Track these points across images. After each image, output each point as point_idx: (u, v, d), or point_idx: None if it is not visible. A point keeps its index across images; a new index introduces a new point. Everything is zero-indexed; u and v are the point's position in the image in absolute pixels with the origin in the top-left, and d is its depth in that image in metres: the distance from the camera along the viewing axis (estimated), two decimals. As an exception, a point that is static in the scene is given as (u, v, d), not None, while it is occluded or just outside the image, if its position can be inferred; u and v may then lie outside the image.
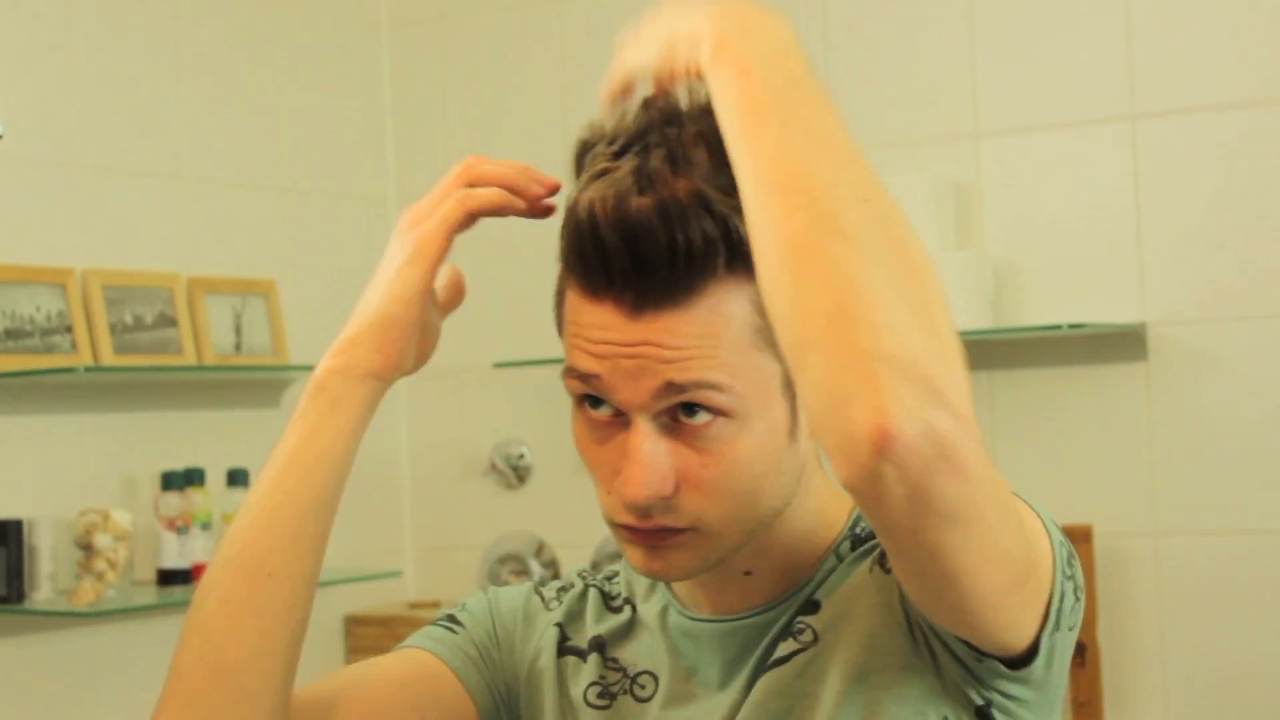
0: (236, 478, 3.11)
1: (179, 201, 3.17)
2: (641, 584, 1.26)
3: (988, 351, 3.00)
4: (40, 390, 2.91)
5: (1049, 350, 2.96)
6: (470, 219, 1.19)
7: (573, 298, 1.11)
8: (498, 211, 1.18)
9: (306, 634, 1.16)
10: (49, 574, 2.83)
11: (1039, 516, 1.10)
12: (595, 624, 1.25)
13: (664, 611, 1.23)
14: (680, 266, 1.05)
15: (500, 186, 1.18)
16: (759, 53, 1.03)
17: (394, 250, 1.19)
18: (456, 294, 1.27)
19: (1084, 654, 2.85)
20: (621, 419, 1.10)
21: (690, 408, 1.08)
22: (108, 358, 2.93)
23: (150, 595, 2.94)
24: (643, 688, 1.21)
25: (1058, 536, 1.10)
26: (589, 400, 1.11)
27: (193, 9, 3.23)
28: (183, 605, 3.03)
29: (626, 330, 1.07)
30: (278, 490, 1.17)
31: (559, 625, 1.26)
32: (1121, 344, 2.90)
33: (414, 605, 3.48)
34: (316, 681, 1.20)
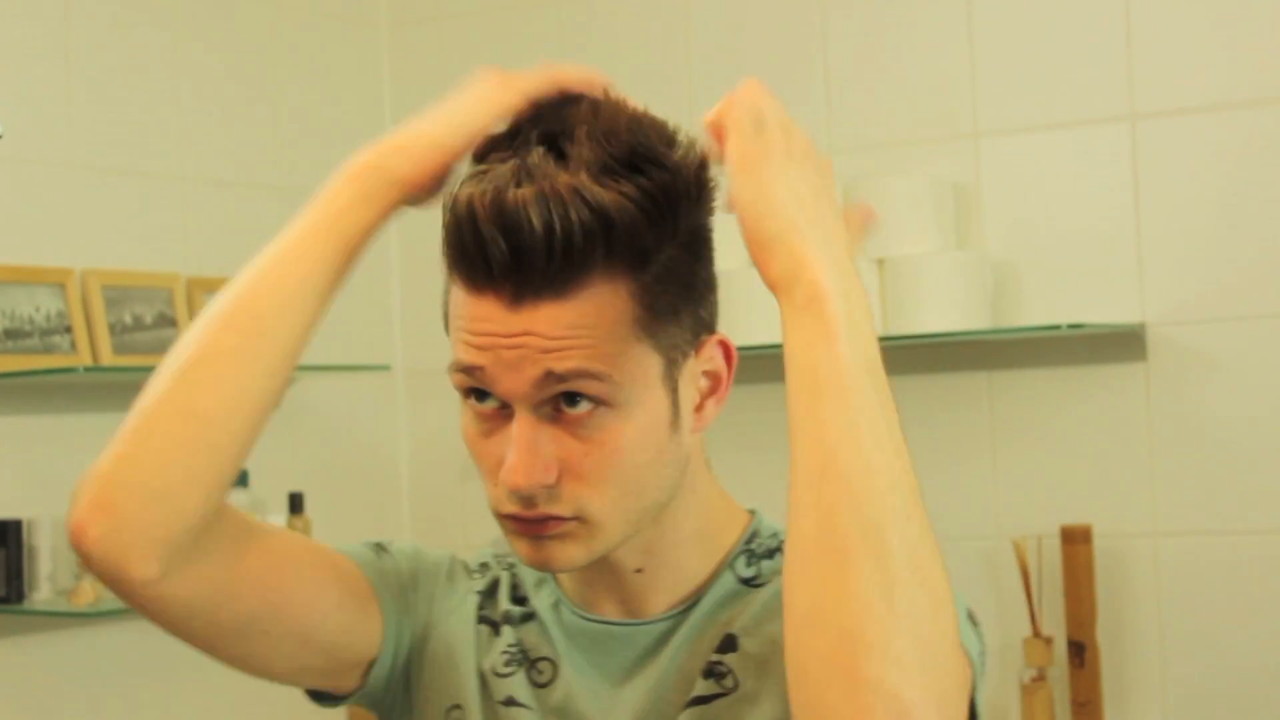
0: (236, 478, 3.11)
1: (179, 201, 3.17)
2: (530, 577, 1.27)
3: (987, 352, 3.00)
4: (40, 390, 2.91)
5: (1049, 350, 2.96)
6: (553, 94, 1.18)
7: (456, 293, 1.12)
8: (584, 84, 1.18)
9: (272, 410, 1.16)
10: (48, 574, 2.83)
11: (968, 643, 1.08)
12: (505, 604, 1.27)
13: (555, 606, 1.24)
14: (559, 257, 1.07)
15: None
16: (850, 323, 1.03)
17: (473, 84, 1.20)
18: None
19: (1084, 654, 2.85)
20: (506, 411, 1.12)
21: (571, 397, 1.10)
22: (107, 358, 2.93)
23: (150, 595, 2.94)
24: (540, 673, 1.22)
25: (975, 649, 1.09)
26: (475, 394, 1.13)
27: (192, 9, 3.23)
28: (182, 605, 3.04)
29: (507, 321, 1.09)
30: (289, 258, 1.17)
31: (479, 594, 1.28)
32: (1121, 344, 2.90)
33: (414, 605, 3.48)
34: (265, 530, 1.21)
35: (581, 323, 1.08)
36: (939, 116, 3.05)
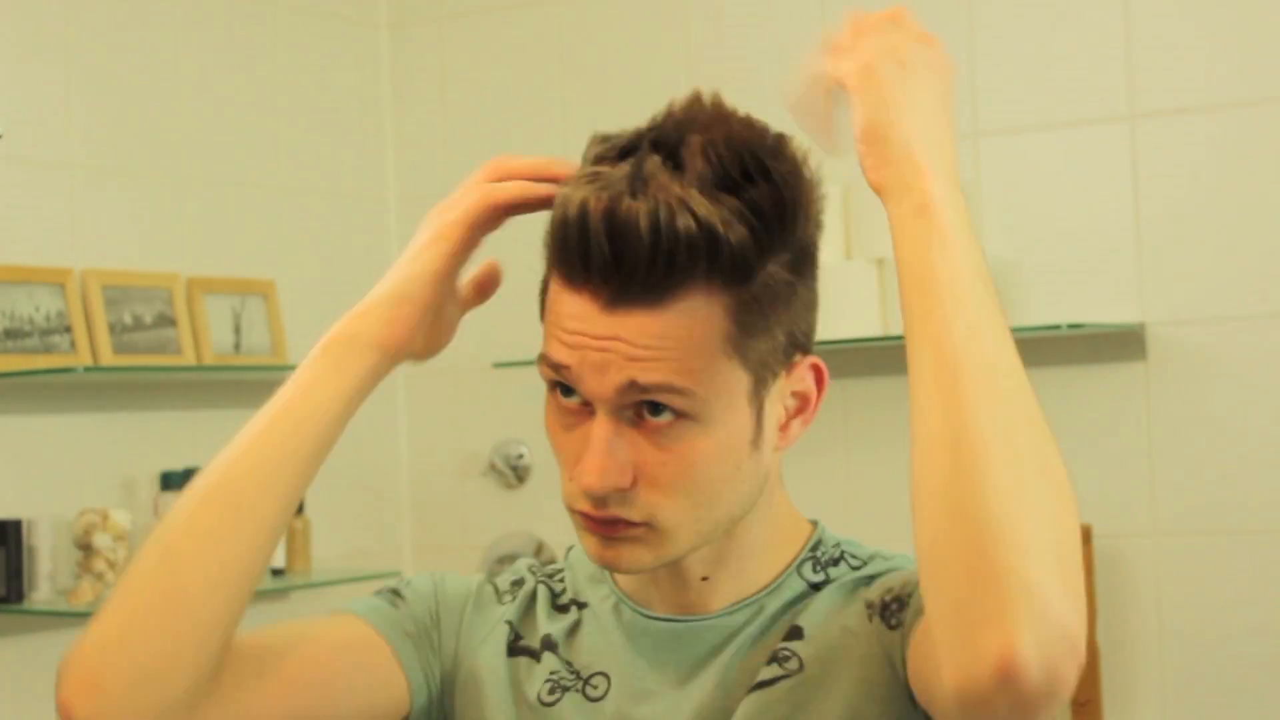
0: (236, 478, 3.11)
1: (178, 201, 3.17)
2: (586, 580, 1.27)
3: (987, 351, 3.00)
4: (40, 390, 2.91)
5: (1048, 350, 2.96)
6: (495, 213, 1.20)
7: (554, 287, 1.13)
8: (522, 204, 1.19)
9: (258, 586, 1.16)
10: (48, 574, 2.83)
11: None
12: (546, 623, 1.26)
13: (616, 607, 1.24)
14: (660, 267, 1.07)
15: (525, 177, 1.20)
16: (961, 232, 1.05)
17: (417, 236, 1.21)
18: (483, 289, 1.28)
19: (1084, 654, 2.85)
20: (589, 409, 1.12)
21: (655, 406, 1.10)
22: (107, 358, 2.93)
23: (150, 595, 2.94)
24: (595, 688, 1.22)
25: None
26: (560, 388, 1.14)
27: (192, 9, 3.23)
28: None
29: (599, 323, 1.09)
30: (265, 434, 1.19)
31: (510, 623, 1.27)
32: (1121, 344, 2.90)
33: (413, 605, 3.48)
34: (254, 631, 1.20)
35: (671, 334, 1.08)
36: (939, 116, 3.04)
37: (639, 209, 1.07)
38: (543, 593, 1.28)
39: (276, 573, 3.16)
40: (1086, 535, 2.86)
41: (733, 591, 1.20)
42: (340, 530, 3.41)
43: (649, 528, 1.12)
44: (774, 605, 1.20)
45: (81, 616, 2.86)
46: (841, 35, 1.15)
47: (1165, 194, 2.87)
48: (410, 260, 1.20)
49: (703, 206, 1.07)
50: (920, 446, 0.99)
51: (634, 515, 1.12)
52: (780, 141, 1.14)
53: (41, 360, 2.84)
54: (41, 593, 2.82)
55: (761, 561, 1.21)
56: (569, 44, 3.40)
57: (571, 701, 1.21)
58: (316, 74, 3.48)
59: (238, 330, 3.19)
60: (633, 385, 1.09)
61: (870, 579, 1.19)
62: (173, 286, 3.08)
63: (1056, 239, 2.95)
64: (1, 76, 2.90)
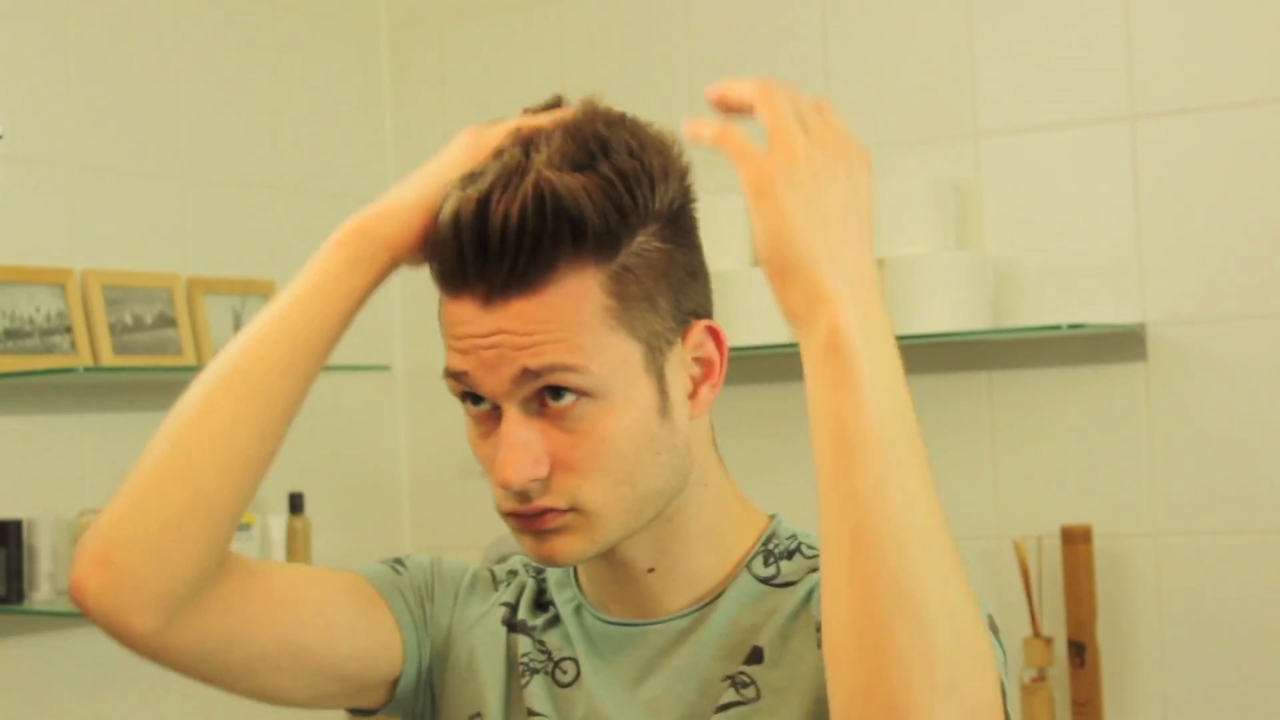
0: (236, 478, 3.11)
1: (179, 201, 3.17)
2: (553, 579, 1.28)
3: (987, 351, 3.00)
4: (40, 390, 2.91)
5: (1048, 350, 2.96)
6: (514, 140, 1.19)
7: (442, 301, 1.15)
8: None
9: (262, 476, 1.20)
10: (48, 574, 2.83)
11: (991, 647, 1.08)
12: (528, 614, 1.27)
13: (577, 609, 1.25)
14: (525, 252, 1.08)
15: None
16: (874, 367, 0.99)
17: (452, 146, 1.22)
18: None
19: (1084, 654, 2.85)
20: (498, 412, 1.13)
21: (555, 391, 1.11)
22: (107, 358, 2.93)
23: (150, 595, 2.94)
24: (564, 672, 1.22)
25: (999, 660, 1.09)
26: (470, 398, 1.15)
27: (192, 9, 3.23)
28: (182, 605, 3.04)
29: (483, 321, 1.11)
30: (280, 324, 1.21)
31: (506, 604, 1.28)
32: (1121, 344, 2.90)
33: (414, 605, 3.48)
34: (267, 560, 1.24)
35: (552, 316, 1.09)
36: (939, 116, 3.05)
37: (499, 200, 1.09)
38: (531, 587, 1.29)
39: (276, 573, 3.16)
40: (1086, 535, 2.86)
41: (684, 591, 1.20)
42: (340, 530, 3.41)
43: (576, 513, 1.13)
44: (727, 605, 1.19)
45: (81, 617, 2.86)
46: (753, 103, 1.09)
47: (1165, 194, 2.87)
48: (439, 167, 1.20)
49: (551, 184, 1.08)
50: (828, 622, 0.99)
51: (557, 502, 1.12)
52: (623, 118, 1.16)
53: (42, 360, 2.84)
54: (41, 593, 2.82)
55: (708, 550, 1.20)
56: (569, 44, 3.40)
57: (539, 684, 1.22)
58: (316, 74, 3.48)
59: (238, 330, 3.19)
60: (525, 373, 1.10)
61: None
62: (173, 286, 3.08)
63: (1056, 239, 2.95)
64: (1, 76, 2.90)
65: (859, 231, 1.03)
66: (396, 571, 1.28)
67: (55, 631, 2.90)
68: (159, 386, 3.12)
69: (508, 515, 1.15)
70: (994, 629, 1.11)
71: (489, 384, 1.12)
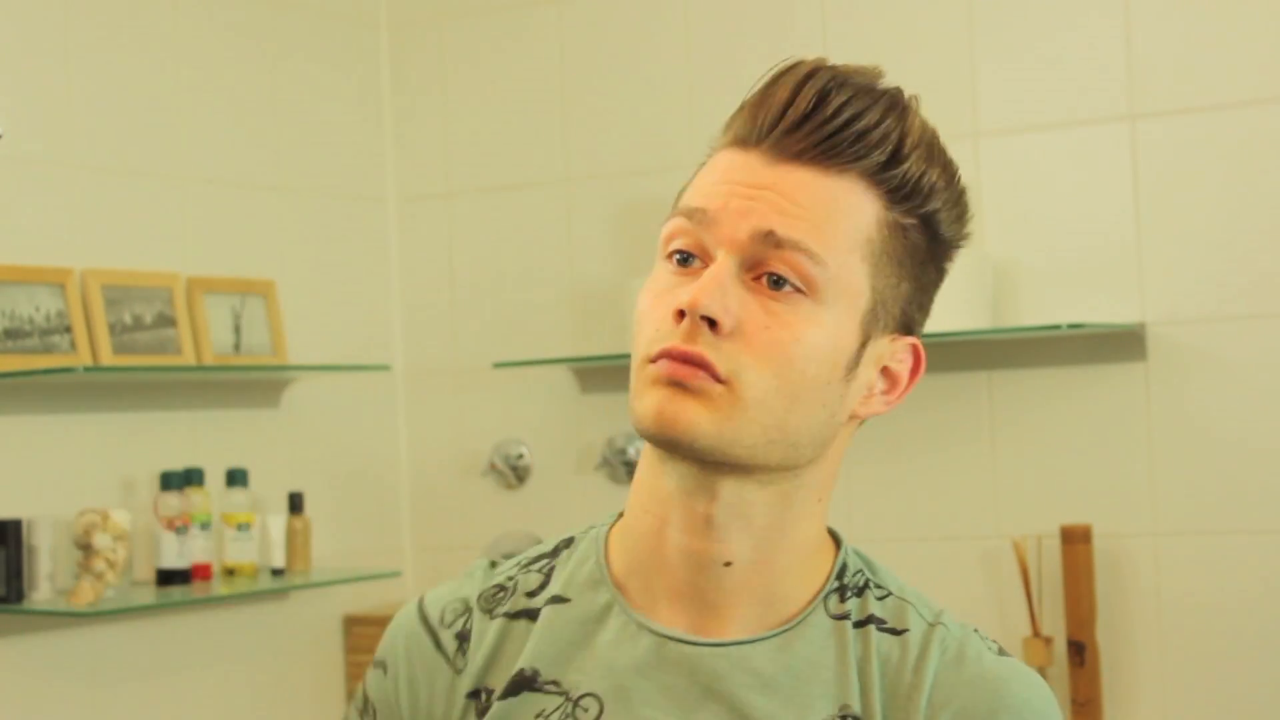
0: (236, 478, 3.11)
1: (178, 201, 3.17)
2: (584, 578, 1.17)
3: (987, 351, 3.00)
4: (39, 390, 2.91)
5: (1048, 350, 2.96)
6: None
7: (716, 157, 1.13)
8: None
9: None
10: (48, 574, 2.83)
11: None
12: (515, 657, 1.16)
13: (607, 611, 1.14)
14: (843, 133, 1.08)
15: None
16: None
17: None
18: None
19: (1083, 654, 2.85)
20: (703, 272, 1.08)
21: (777, 280, 1.07)
22: (107, 358, 2.93)
23: (149, 595, 2.94)
24: (585, 710, 1.12)
25: None
26: (677, 257, 1.10)
27: (192, 9, 3.23)
28: (181, 605, 3.04)
29: (760, 173, 1.08)
30: None
31: (472, 695, 1.16)
32: (1120, 344, 2.90)
33: (413, 605, 3.48)
34: None
35: (823, 200, 1.08)
36: (939, 116, 3.03)
37: (865, 84, 1.10)
38: (496, 627, 1.17)
39: (276, 572, 3.16)
40: (1086, 535, 2.86)
41: (753, 608, 1.12)
42: (340, 530, 3.40)
43: (727, 387, 1.05)
44: (802, 647, 1.11)
45: (81, 616, 2.86)
46: None
47: (1165, 194, 2.87)
48: None
49: (916, 113, 1.12)
50: None
51: (720, 363, 1.05)
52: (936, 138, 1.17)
53: (41, 360, 2.84)
54: (41, 593, 2.82)
55: (791, 575, 1.13)
56: (569, 44, 3.40)
57: None
58: (316, 74, 3.48)
59: (238, 330, 3.19)
60: (770, 236, 1.07)
61: (941, 674, 1.12)
62: (173, 286, 3.08)
63: (1056, 239, 2.95)
64: (1, 76, 2.90)
65: None
66: None
67: (55, 631, 2.90)
68: (159, 386, 3.12)
69: (655, 359, 1.06)
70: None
71: (725, 228, 1.07)
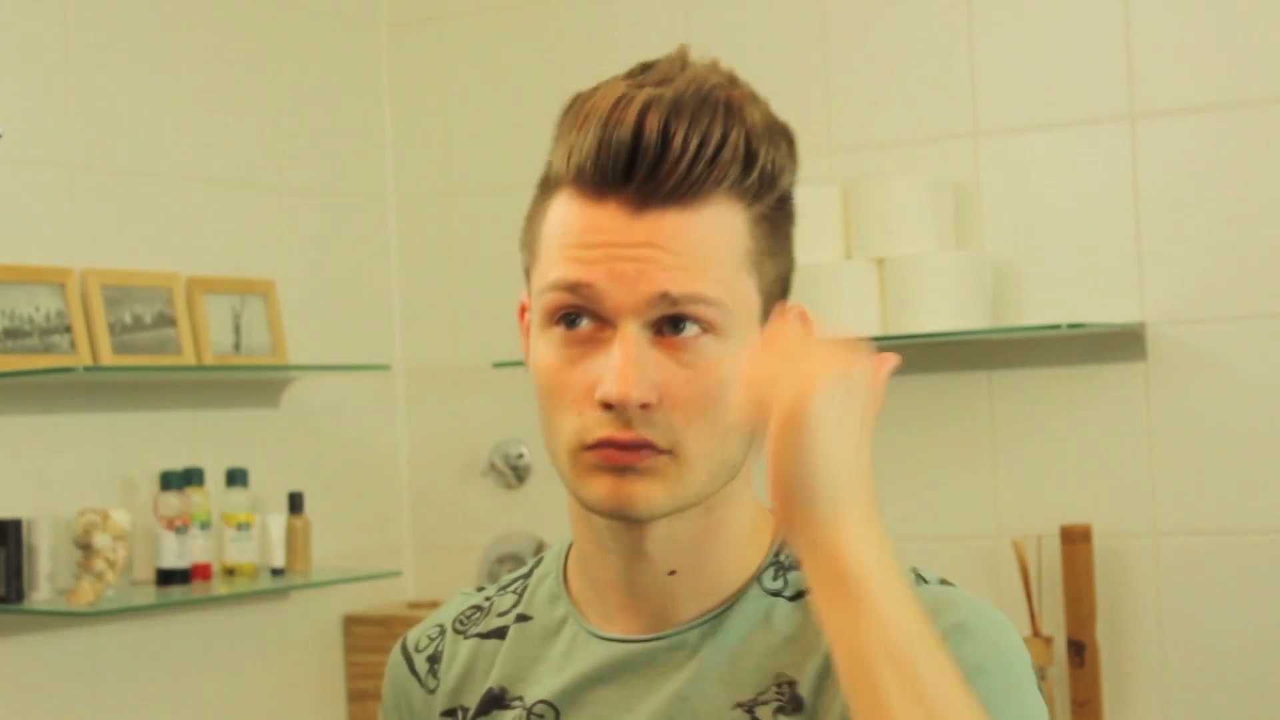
0: (235, 478, 3.11)
1: (178, 201, 3.17)
2: (544, 594, 1.20)
3: (987, 351, 3.00)
4: (39, 390, 2.91)
5: (1048, 350, 2.96)
6: None
7: (565, 206, 1.08)
8: None
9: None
10: (48, 574, 2.83)
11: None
12: (484, 676, 1.19)
13: (563, 621, 1.17)
14: (698, 164, 1.04)
15: None
16: (892, 603, 0.97)
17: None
18: None
19: (1083, 654, 2.85)
20: (603, 335, 1.06)
21: (678, 321, 1.05)
22: (107, 357, 2.92)
23: (149, 595, 2.94)
24: (540, 717, 1.14)
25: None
26: (566, 319, 1.07)
27: (192, 9, 3.23)
28: (181, 605, 3.04)
29: (629, 230, 1.05)
30: None
31: (447, 714, 1.20)
32: (1120, 344, 2.90)
33: (413, 605, 3.48)
34: None
35: (702, 239, 1.05)
36: (939, 116, 3.05)
37: (695, 108, 1.05)
38: (467, 648, 1.21)
39: (276, 572, 3.16)
40: (1086, 535, 2.86)
41: (699, 600, 1.13)
42: (340, 530, 3.40)
43: (671, 457, 1.05)
44: (736, 623, 1.12)
45: (81, 616, 2.86)
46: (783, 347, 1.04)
47: (1165, 194, 2.87)
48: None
49: (754, 113, 1.07)
50: None
51: (658, 438, 1.05)
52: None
53: (41, 360, 2.84)
54: (41, 593, 2.82)
55: (733, 556, 1.13)
56: (569, 44, 3.40)
57: None
58: (316, 74, 3.48)
59: (238, 330, 3.19)
60: (665, 297, 1.04)
61: None
62: (173, 286, 3.08)
63: (1056, 239, 2.95)
64: (1, 76, 2.90)
65: (863, 454, 1.02)
66: None
67: (55, 631, 2.90)
68: (159, 386, 3.12)
69: (594, 446, 1.06)
70: (1038, 678, 1.08)
71: (618, 298, 1.04)
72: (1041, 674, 2.88)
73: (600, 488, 1.07)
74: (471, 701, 1.19)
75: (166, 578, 2.96)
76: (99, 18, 3.06)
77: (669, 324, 1.05)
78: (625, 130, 1.04)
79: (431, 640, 1.24)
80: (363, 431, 3.51)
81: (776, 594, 1.13)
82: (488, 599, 1.24)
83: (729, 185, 1.06)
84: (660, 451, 1.05)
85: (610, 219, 1.05)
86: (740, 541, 1.14)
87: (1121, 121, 2.90)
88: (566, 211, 1.07)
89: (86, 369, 2.85)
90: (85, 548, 2.83)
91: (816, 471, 0.99)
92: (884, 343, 2.95)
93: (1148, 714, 2.89)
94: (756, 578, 1.14)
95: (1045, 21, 2.97)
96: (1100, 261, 2.92)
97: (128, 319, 3.00)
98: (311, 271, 3.38)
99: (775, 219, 1.10)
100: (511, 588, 1.23)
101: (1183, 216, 2.86)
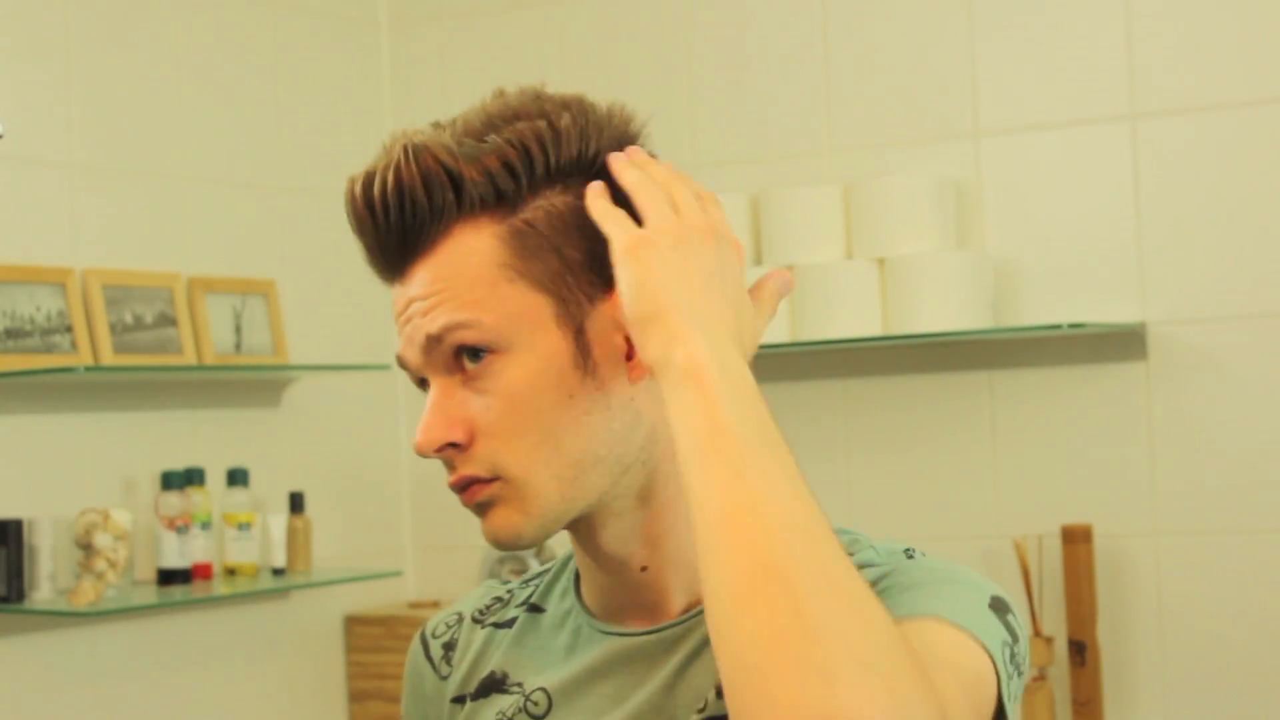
0: (236, 477, 3.11)
1: (179, 201, 3.17)
2: (558, 589, 1.23)
3: (988, 351, 3.00)
4: (40, 390, 2.91)
5: (1049, 350, 2.96)
6: None
7: None
8: None
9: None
10: (49, 574, 2.83)
11: (970, 634, 1.03)
12: (489, 660, 1.22)
13: (568, 614, 1.20)
14: (410, 216, 1.09)
15: None
16: (731, 391, 1.00)
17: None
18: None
19: (1084, 654, 2.85)
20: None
21: (472, 353, 1.10)
22: (108, 357, 2.93)
23: (150, 595, 2.94)
24: (535, 704, 1.17)
25: (995, 640, 1.04)
26: (417, 381, 1.16)
27: (192, 9, 3.23)
28: (182, 605, 3.04)
29: (401, 298, 1.13)
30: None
31: (457, 700, 1.23)
32: (1121, 344, 2.90)
33: (414, 605, 3.48)
34: None
35: (443, 275, 1.10)
36: (939, 116, 3.05)
37: (381, 171, 1.10)
38: (481, 636, 1.24)
39: (277, 572, 3.16)
40: (1086, 535, 2.86)
41: (683, 588, 1.14)
42: (340, 530, 3.41)
43: (503, 482, 1.10)
44: None
45: (82, 616, 2.86)
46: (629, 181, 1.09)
47: (1165, 194, 2.87)
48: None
49: (441, 148, 1.09)
50: (706, 600, 0.95)
51: (479, 469, 1.10)
52: (554, 93, 1.16)
53: (42, 360, 2.84)
54: (42, 593, 2.82)
55: None
56: (569, 44, 3.40)
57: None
58: (316, 74, 3.48)
59: (238, 330, 3.19)
60: (429, 339, 1.10)
61: None
62: (173, 286, 3.08)
63: (1056, 239, 2.95)
64: (1, 76, 2.90)
65: (721, 299, 1.05)
66: None
67: (55, 631, 2.90)
68: (159, 386, 3.12)
69: (454, 493, 1.13)
70: (999, 608, 1.06)
71: (411, 359, 1.13)
72: (1042, 674, 2.88)
73: (481, 525, 1.14)
74: (474, 686, 1.22)
75: (167, 578, 2.97)
76: (99, 18, 3.06)
77: (468, 356, 1.10)
78: (357, 216, 1.12)
79: (449, 628, 1.27)
80: (363, 431, 3.51)
81: None
82: (509, 591, 1.27)
83: (450, 216, 1.10)
84: (487, 481, 1.11)
85: (396, 293, 1.14)
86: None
87: (1121, 121, 2.90)
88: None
89: (87, 369, 2.85)
90: (86, 548, 2.83)
91: (654, 294, 1.03)
92: (885, 343, 2.96)
93: (1148, 714, 2.89)
94: None
95: (1045, 21, 2.97)
96: (1100, 261, 2.92)
97: (128, 319, 3.00)
98: (312, 271, 3.38)
99: (542, 223, 1.10)
100: (533, 580, 1.26)
101: (1183, 216, 2.86)
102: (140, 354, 3.00)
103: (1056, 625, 2.91)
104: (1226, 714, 2.84)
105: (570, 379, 1.09)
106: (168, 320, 3.06)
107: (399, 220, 1.10)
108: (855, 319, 2.91)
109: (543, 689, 1.17)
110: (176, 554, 2.97)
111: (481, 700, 1.20)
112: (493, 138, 1.11)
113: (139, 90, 3.12)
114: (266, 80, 3.37)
